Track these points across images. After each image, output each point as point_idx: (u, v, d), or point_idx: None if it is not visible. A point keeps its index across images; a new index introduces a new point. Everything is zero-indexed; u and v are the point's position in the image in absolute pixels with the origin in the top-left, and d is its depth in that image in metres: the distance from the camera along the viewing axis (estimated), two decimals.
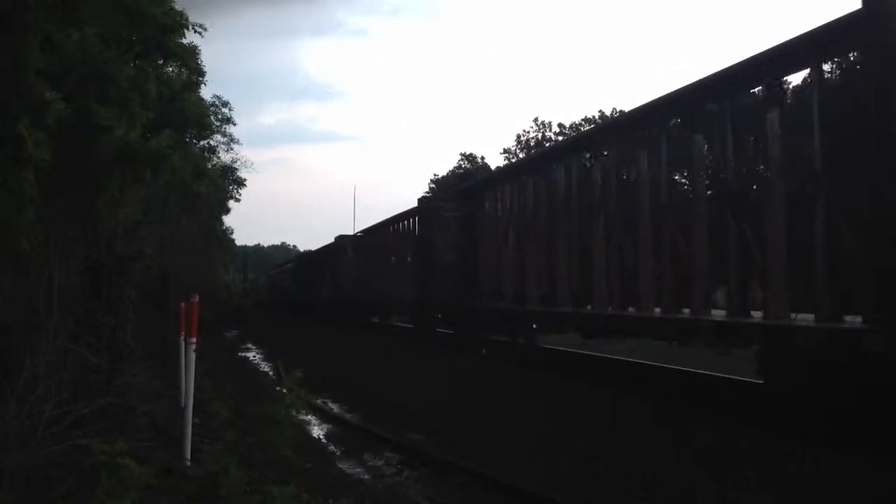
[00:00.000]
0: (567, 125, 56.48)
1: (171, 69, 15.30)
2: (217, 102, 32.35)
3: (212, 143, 31.89)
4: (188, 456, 5.94)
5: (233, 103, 37.43)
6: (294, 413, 5.49)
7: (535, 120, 59.76)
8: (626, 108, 48.58)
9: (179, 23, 9.37)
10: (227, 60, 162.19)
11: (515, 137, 60.12)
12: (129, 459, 4.20)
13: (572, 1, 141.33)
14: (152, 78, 8.63)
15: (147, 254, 10.68)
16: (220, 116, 32.77)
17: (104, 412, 6.54)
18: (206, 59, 15.10)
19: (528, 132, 59.20)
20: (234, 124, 34.58)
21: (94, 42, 7.09)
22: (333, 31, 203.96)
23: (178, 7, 10.32)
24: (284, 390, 5.55)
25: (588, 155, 14.01)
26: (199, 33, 10.22)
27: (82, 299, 8.14)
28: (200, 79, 15.91)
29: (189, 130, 20.81)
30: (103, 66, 7.69)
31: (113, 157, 8.09)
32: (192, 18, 10.66)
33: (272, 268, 79.19)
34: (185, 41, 12.90)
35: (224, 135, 33.64)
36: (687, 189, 13.24)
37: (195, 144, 27.00)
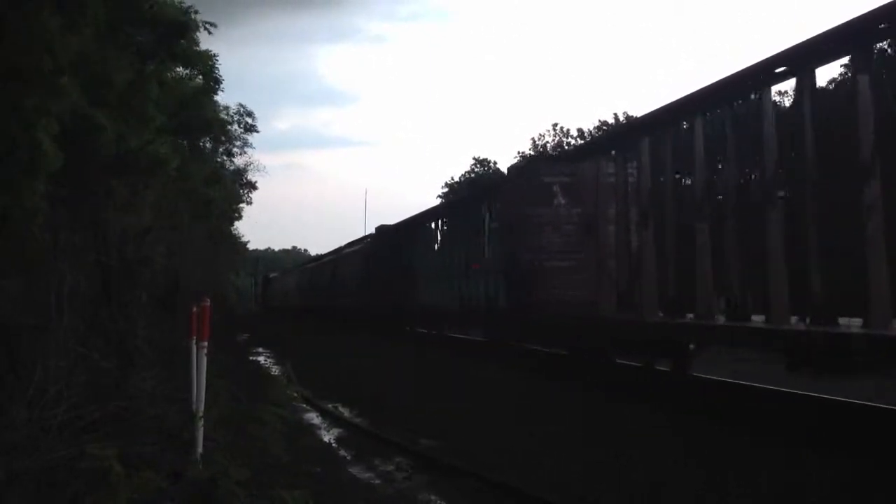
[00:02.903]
0: (585, 131, 56.13)
1: (184, 73, 15.38)
2: (241, 111, 32.84)
3: (232, 148, 32.16)
4: (199, 460, 5.93)
5: (249, 108, 37.61)
6: (283, 411, 5.46)
7: (554, 126, 59.41)
8: (635, 113, 48.42)
9: (188, 21, 9.28)
10: (243, 66, 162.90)
11: (531, 141, 59.91)
12: (119, 465, 4.20)
13: (586, 7, 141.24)
14: (153, 78, 8.56)
15: (157, 258, 10.70)
16: (243, 125, 33.21)
17: (115, 417, 6.54)
18: (223, 63, 15.24)
19: (544, 136, 59.00)
20: (258, 131, 34.76)
21: (90, 40, 7.06)
22: (350, 37, 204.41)
23: (188, 5, 10.33)
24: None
25: None
26: (209, 31, 10.20)
27: (92, 303, 8.15)
28: (217, 86, 16.04)
29: (210, 135, 20.99)
30: (99, 67, 7.64)
31: (109, 166, 8.08)
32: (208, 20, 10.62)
33: (309, 260, 57.40)
34: (200, 47, 12.99)
35: (237, 138, 33.85)
36: None
37: (216, 150, 27.30)
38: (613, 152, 13.65)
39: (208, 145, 24.80)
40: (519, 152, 60.08)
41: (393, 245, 25.83)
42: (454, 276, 19.40)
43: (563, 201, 14.10)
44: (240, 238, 55.56)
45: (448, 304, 19.72)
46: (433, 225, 22.58)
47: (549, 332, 14.37)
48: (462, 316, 19.17)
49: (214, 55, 14.37)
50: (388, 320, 25.94)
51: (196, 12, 9.82)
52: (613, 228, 13.19)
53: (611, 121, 53.38)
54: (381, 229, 28.07)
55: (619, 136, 13.67)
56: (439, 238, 21.74)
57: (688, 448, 7.69)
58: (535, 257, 14.08)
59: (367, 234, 31.97)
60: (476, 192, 17.96)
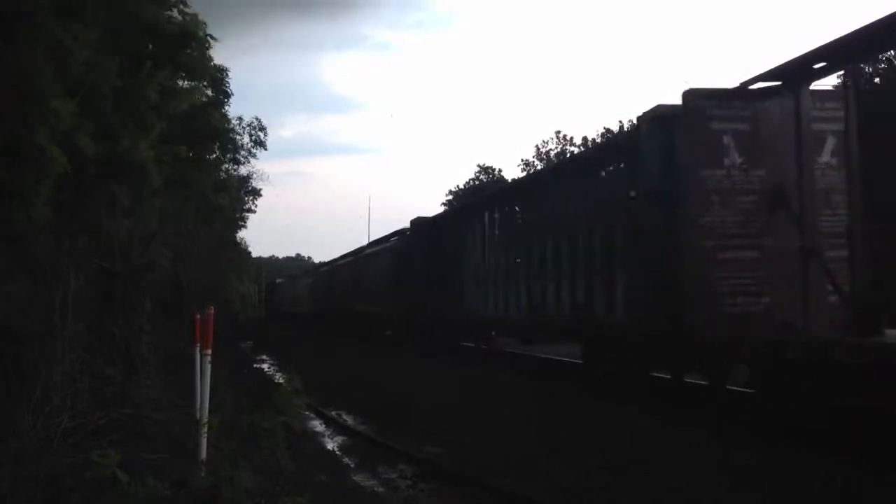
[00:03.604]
0: (589, 139, 55.86)
1: (190, 84, 15.48)
2: (256, 125, 33.35)
3: (237, 156, 32.56)
4: (202, 467, 5.91)
5: (252, 116, 38.13)
6: (289, 421, 5.45)
7: (557, 133, 59.36)
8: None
9: (194, 31, 9.34)
10: (250, 73, 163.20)
11: (535, 149, 59.83)
12: (123, 472, 4.19)
13: (589, 15, 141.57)
14: (153, 85, 8.60)
15: (161, 263, 10.71)
16: (254, 138, 33.71)
17: (119, 423, 6.52)
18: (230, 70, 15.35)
19: (547, 143, 58.92)
20: (266, 150, 35.31)
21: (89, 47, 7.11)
22: (356, 44, 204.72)
23: (200, 18, 10.37)
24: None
25: None
26: (210, 44, 10.30)
27: (97, 309, 8.15)
28: (226, 99, 16.17)
29: (217, 142, 21.20)
30: (91, 78, 7.68)
31: (103, 171, 8.11)
32: (219, 31, 10.78)
33: (321, 264, 50.42)
34: (213, 62, 13.06)
35: (244, 148, 34.15)
36: None
37: (225, 158, 27.56)
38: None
39: (215, 155, 25.03)
40: (522, 160, 60.06)
41: (433, 241, 22.03)
42: (521, 277, 15.48)
43: (738, 159, 9.33)
44: (242, 244, 55.77)
45: (510, 312, 16.00)
46: (494, 213, 18.38)
47: (715, 363, 9.47)
48: (531, 327, 15.53)
49: (225, 69, 14.48)
50: (424, 329, 21.71)
51: (207, 32, 9.95)
52: (828, 200, 9.00)
53: (615, 128, 53.19)
54: (418, 222, 23.91)
55: (853, 45, 8.00)
56: (503, 228, 17.86)
57: None
58: (692, 244, 9.32)
59: (392, 232, 27.98)
60: (583, 154, 14.58)
